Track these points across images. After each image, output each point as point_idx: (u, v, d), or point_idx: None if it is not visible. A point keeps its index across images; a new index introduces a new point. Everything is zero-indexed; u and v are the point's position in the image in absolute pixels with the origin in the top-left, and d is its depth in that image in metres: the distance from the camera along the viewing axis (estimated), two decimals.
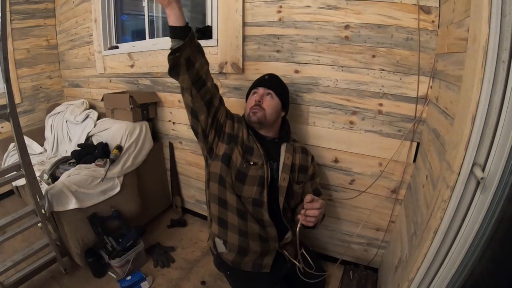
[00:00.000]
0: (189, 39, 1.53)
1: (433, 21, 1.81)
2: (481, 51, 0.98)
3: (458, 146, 1.08)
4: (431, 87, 1.90)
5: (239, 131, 1.85)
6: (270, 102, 1.89)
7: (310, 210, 1.55)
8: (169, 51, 1.56)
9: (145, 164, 2.96)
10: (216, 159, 1.84)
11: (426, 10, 1.80)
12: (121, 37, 3.67)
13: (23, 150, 2.03)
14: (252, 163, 1.81)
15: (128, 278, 2.42)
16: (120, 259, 2.40)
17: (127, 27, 3.79)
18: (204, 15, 2.69)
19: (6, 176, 2.07)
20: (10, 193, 3.83)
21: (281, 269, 2.00)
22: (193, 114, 1.78)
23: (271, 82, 1.97)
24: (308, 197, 1.54)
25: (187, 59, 1.58)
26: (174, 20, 1.52)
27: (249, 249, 1.91)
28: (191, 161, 3.15)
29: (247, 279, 2.00)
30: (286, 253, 2.00)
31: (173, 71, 1.63)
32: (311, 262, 1.93)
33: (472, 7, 1.13)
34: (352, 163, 2.29)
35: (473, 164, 1.06)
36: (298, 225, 1.61)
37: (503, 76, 0.97)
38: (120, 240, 2.49)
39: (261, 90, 1.93)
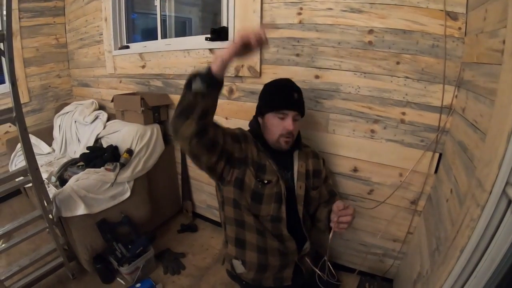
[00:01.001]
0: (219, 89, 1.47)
1: (459, 28, 1.79)
2: None
3: (491, 164, 1.06)
4: (456, 96, 1.88)
5: (247, 151, 1.79)
6: (297, 125, 1.86)
7: (343, 217, 1.58)
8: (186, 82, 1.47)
9: (155, 168, 2.96)
10: (228, 184, 1.80)
11: (453, 16, 1.78)
12: (133, 36, 3.70)
13: (29, 155, 2.03)
14: (266, 181, 1.78)
15: (138, 285, 2.42)
16: (130, 266, 2.40)
17: (138, 26, 3.81)
18: (215, 15, 2.69)
19: (13, 181, 2.07)
20: (17, 192, 3.86)
21: (299, 280, 1.99)
22: (194, 157, 1.62)
23: (299, 101, 1.84)
24: (340, 204, 1.59)
25: (204, 109, 1.46)
26: (220, 69, 1.41)
27: (269, 264, 1.89)
28: None
29: None
30: (308, 261, 1.99)
31: (181, 117, 1.47)
32: (333, 271, 1.91)
33: (509, 18, 1.11)
34: (372, 172, 2.27)
35: (506, 183, 1.04)
36: (331, 233, 1.63)
37: None
38: (129, 246, 2.49)
39: (291, 115, 1.79)
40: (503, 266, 1.14)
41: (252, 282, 1.97)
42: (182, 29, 3.58)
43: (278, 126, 1.79)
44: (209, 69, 1.40)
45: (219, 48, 2.59)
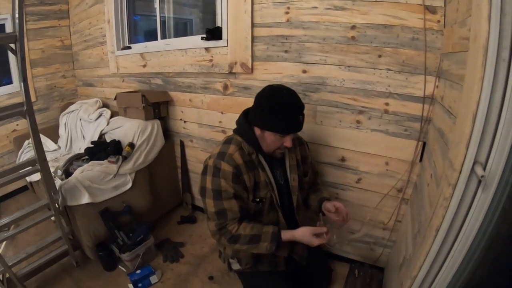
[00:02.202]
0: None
1: (438, 21, 1.80)
2: (481, 50, 0.97)
3: (460, 144, 1.07)
4: (437, 86, 1.89)
5: (243, 179, 1.73)
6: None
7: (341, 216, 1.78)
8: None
9: (156, 161, 2.99)
10: None
11: (431, 10, 1.80)
12: (135, 37, 3.71)
13: (38, 146, 2.09)
14: (264, 198, 1.80)
15: (138, 272, 2.46)
16: (130, 253, 2.44)
17: (140, 27, 3.83)
18: (215, 15, 2.71)
19: (22, 170, 2.11)
20: (24, 188, 3.89)
21: (292, 265, 2.00)
22: None
23: (303, 121, 1.74)
24: (331, 208, 1.81)
25: None
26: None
27: (262, 256, 1.92)
28: (201, 159, 3.15)
29: (261, 278, 1.99)
30: (300, 248, 2.01)
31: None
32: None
33: (473, 6, 1.13)
34: (359, 162, 2.29)
35: (474, 162, 1.05)
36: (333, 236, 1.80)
37: (503, 75, 0.96)
38: (130, 234, 2.53)
39: (292, 135, 1.75)
40: (478, 243, 1.15)
41: (249, 270, 1.99)
42: (184, 30, 3.61)
43: (277, 142, 1.73)
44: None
45: (215, 47, 2.63)
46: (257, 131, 1.75)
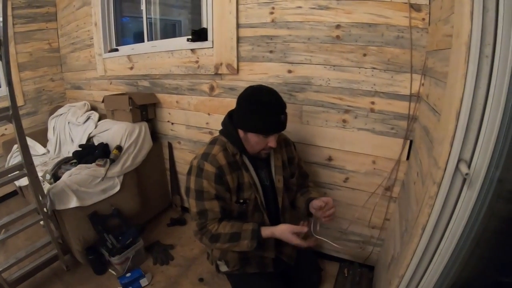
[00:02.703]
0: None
1: (423, 19, 1.79)
2: (464, 47, 0.96)
3: (444, 142, 1.06)
4: (422, 84, 1.88)
5: (226, 180, 1.72)
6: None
7: (327, 211, 1.72)
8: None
9: (145, 163, 2.96)
10: None
11: (416, 8, 1.79)
12: (123, 39, 3.67)
13: (25, 150, 2.06)
14: (248, 199, 1.79)
15: (128, 275, 2.42)
16: (120, 256, 2.41)
17: (129, 29, 3.79)
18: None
19: (9, 175, 2.09)
20: (14, 193, 3.84)
21: (281, 266, 1.99)
22: None
23: (285, 120, 1.73)
24: (318, 205, 1.71)
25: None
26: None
27: (250, 258, 1.92)
28: (189, 160, 2.98)
29: (249, 279, 1.98)
30: (288, 249, 2.00)
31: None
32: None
33: (456, 3, 1.12)
34: (346, 161, 2.27)
35: (459, 160, 1.05)
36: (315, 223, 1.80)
37: (486, 71, 0.96)
38: (120, 237, 2.49)
39: (276, 136, 1.73)
40: (465, 241, 1.15)
41: (237, 271, 1.97)
42: (172, 31, 3.59)
43: (261, 143, 1.71)
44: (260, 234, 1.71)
45: (201, 48, 2.61)
46: (241, 133, 1.73)
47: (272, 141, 1.70)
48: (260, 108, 1.64)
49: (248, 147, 1.75)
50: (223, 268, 2.01)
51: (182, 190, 3.39)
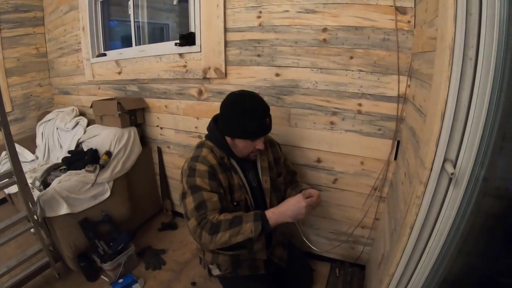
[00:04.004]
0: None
1: (409, 21, 1.82)
2: (448, 50, 0.98)
3: (429, 142, 1.08)
4: (409, 86, 1.91)
5: (219, 178, 1.73)
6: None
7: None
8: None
9: (134, 169, 2.94)
10: None
11: (402, 10, 1.81)
12: (111, 43, 3.65)
13: (14, 158, 2.03)
14: (240, 201, 1.80)
15: (120, 281, 2.41)
16: (112, 262, 2.39)
17: (117, 33, 3.77)
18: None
19: None
20: (3, 201, 3.79)
21: (272, 268, 2.00)
22: None
23: (271, 122, 1.78)
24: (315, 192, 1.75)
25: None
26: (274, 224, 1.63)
27: (241, 260, 1.91)
28: (179, 165, 3.09)
29: (241, 282, 1.98)
30: (280, 250, 2.03)
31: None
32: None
33: (440, 6, 1.14)
34: (335, 162, 2.29)
35: (444, 160, 1.06)
36: None
37: (470, 73, 0.97)
38: (111, 243, 2.47)
39: (263, 138, 1.77)
40: (452, 239, 1.16)
41: (229, 274, 1.97)
42: (160, 35, 3.55)
43: (248, 147, 1.75)
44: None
45: (189, 53, 2.60)
46: (228, 139, 1.76)
47: (259, 144, 1.74)
48: (245, 114, 1.67)
49: (237, 152, 1.78)
50: (215, 271, 2.00)
51: (175, 196, 3.36)
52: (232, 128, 1.71)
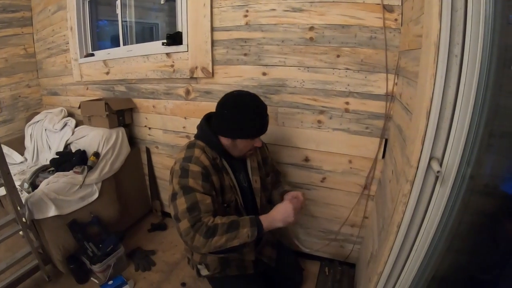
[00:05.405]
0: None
1: (396, 19, 1.81)
2: (433, 47, 0.96)
3: (415, 140, 1.07)
4: (396, 84, 1.90)
5: (212, 180, 1.69)
6: None
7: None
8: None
9: (123, 169, 2.91)
10: None
11: (389, 9, 1.81)
12: (100, 43, 3.60)
13: (1, 160, 2.00)
14: (230, 202, 1.78)
15: (110, 282, 2.39)
16: (101, 264, 2.36)
17: (105, 32, 3.73)
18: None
19: None
20: None
21: (261, 267, 1.97)
22: None
23: (268, 120, 1.79)
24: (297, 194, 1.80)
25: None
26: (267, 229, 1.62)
27: (230, 260, 1.89)
28: (168, 165, 3.10)
29: (230, 282, 1.96)
30: (269, 250, 2.01)
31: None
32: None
33: (425, 4, 1.13)
34: (323, 161, 2.28)
35: (431, 158, 1.06)
36: None
37: (456, 71, 0.96)
38: (100, 245, 2.44)
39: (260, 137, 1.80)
40: (440, 237, 1.16)
41: (218, 275, 1.94)
42: (150, 35, 3.52)
43: (248, 146, 1.75)
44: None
45: (176, 52, 2.58)
46: (225, 140, 1.72)
47: (258, 141, 1.77)
48: (249, 115, 1.66)
49: (235, 152, 1.76)
50: (204, 272, 1.96)
51: (165, 196, 3.32)
52: (234, 129, 1.68)
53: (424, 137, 1.04)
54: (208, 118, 1.81)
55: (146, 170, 3.31)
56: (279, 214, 1.61)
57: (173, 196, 1.62)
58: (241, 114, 1.66)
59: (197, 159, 1.65)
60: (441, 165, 1.03)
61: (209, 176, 1.66)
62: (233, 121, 1.66)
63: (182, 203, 1.57)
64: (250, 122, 1.67)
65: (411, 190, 1.12)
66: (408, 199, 1.14)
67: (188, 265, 2.17)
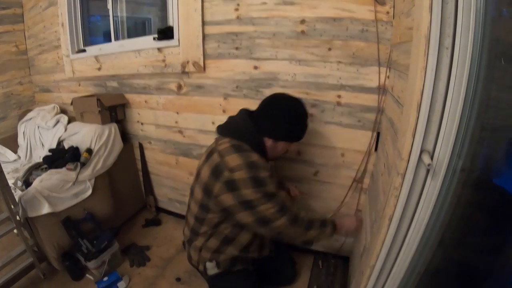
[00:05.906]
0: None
1: (388, 12, 1.80)
2: (424, 39, 0.95)
3: (406, 133, 1.06)
4: (388, 77, 1.89)
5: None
6: None
7: None
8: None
9: (116, 165, 2.89)
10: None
11: (380, 1, 1.79)
12: (93, 39, 3.55)
13: None
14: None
15: (105, 279, 2.38)
16: (96, 261, 2.35)
17: (97, 28, 3.69)
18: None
19: None
20: None
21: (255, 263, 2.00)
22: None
23: None
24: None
25: None
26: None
27: (241, 257, 1.90)
28: (161, 160, 3.09)
29: (226, 277, 1.95)
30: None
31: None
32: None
33: None
34: (315, 155, 2.27)
35: (421, 151, 1.05)
36: None
37: (446, 63, 0.95)
38: (94, 242, 2.43)
39: None
40: (431, 230, 1.16)
41: (222, 271, 1.93)
42: (142, 29, 3.48)
43: (285, 148, 1.82)
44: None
45: (167, 47, 2.55)
46: (269, 141, 1.73)
47: (294, 145, 1.87)
48: (301, 119, 1.76)
49: (272, 154, 1.79)
50: (213, 270, 1.92)
51: (159, 191, 3.34)
52: (283, 132, 1.72)
53: (415, 130, 1.03)
54: (252, 120, 1.74)
55: (139, 166, 3.29)
56: (349, 227, 1.88)
57: (249, 203, 1.58)
58: (295, 118, 1.73)
59: (262, 164, 1.62)
60: (432, 158, 1.03)
61: (273, 177, 1.66)
62: (287, 124, 1.70)
63: (269, 207, 1.58)
64: (301, 127, 1.76)
65: (402, 183, 1.12)
66: (400, 192, 1.13)
67: (189, 264, 2.12)
